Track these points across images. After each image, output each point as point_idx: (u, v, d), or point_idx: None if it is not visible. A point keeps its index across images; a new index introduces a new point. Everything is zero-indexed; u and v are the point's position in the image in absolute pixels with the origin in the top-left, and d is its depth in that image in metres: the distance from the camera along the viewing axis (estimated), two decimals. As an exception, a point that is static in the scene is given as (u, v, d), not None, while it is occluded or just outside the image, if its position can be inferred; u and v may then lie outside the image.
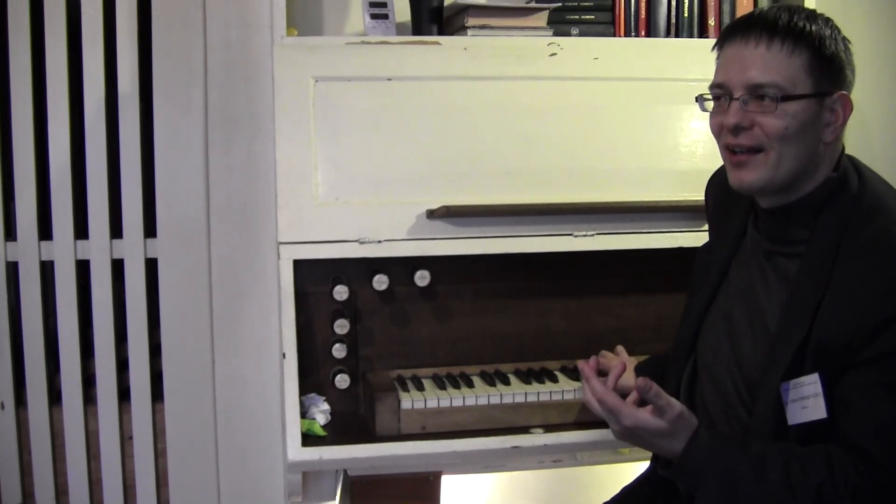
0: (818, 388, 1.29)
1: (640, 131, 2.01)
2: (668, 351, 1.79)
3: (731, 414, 1.44)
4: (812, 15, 1.38)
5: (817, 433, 1.30)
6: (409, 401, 1.78)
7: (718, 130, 1.42)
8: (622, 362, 1.46)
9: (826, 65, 1.35)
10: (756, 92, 1.35)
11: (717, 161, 1.67)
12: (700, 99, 1.45)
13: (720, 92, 1.41)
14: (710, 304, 1.53)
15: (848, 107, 1.37)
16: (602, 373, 1.88)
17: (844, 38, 1.39)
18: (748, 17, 1.40)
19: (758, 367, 1.39)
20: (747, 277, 1.47)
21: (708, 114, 1.46)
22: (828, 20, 1.38)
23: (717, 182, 1.68)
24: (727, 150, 1.41)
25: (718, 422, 1.46)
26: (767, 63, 1.34)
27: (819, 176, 1.39)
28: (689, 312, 1.57)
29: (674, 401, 1.34)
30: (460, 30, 2.04)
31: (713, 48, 1.45)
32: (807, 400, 1.30)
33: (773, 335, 1.38)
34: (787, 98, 1.33)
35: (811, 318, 1.31)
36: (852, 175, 1.40)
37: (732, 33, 1.39)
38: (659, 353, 1.85)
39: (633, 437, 1.38)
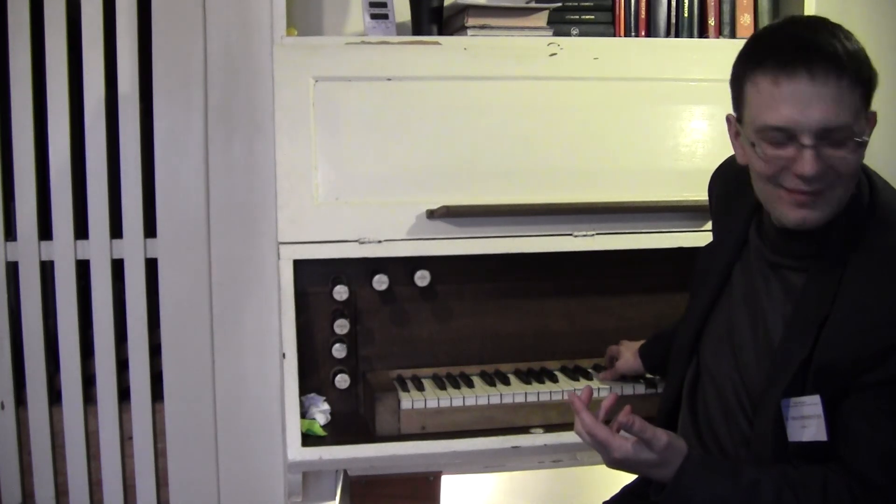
0: (819, 409, 1.27)
1: (641, 131, 2.01)
2: (669, 328, 1.79)
3: (731, 421, 1.43)
4: (847, 34, 1.27)
5: (817, 450, 1.29)
6: (409, 401, 1.78)
7: (777, 173, 1.29)
8: (615, 394, 1.45)
9: (870, 93, 1.28)
10: (828, 135, 1.24)
11: (716, 161, 1.68)
12: (758, 142, 1.29)
13: (781, 136, 1.27)
14: (713, 308, 1.51)
15: (873, 123, 1.31)
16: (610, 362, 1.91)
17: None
18: (799, 47, 1.25)
19: (759, 379, 1.38)
20: (751, 285, 1.45)
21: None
22: (847, 33, 1.29)
23: (722, 178, 1.66)
24: (782, 187, 1.30)
25: (719, 427, 1.45)
26: (838, 103, 1.23)
27: None
28: (691, 314, 1.55)
29: (660, 431, 1.33)
30: (460, 30, 2.04)
31: (747, 75, 1.30)
32: (807, 420, 1.29)
33: (775, 349, 1.36)
34: (856, 136, 1.25)
35: (814, 337, 1.29)
36: (864, 187, 1.35)
37: (791, 66, 1.24)
38: (658, 331, 1.84)
39: (624, 467, 1.38)
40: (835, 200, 1.29)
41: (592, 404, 1.44)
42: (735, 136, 1.39)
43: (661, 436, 1.32)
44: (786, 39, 1.28)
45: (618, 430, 1.36)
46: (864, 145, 1.27)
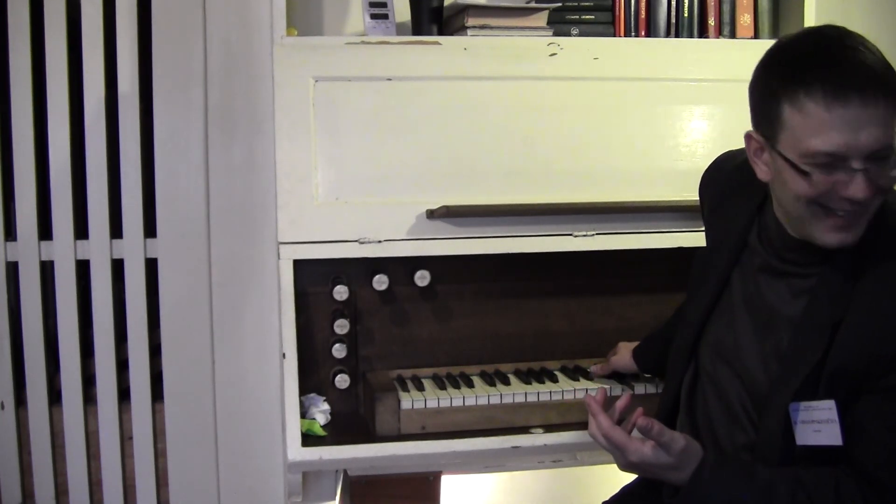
0: (834, 414, 1.26)
1: (640, 131, 2.01)
2: (660, 328, 1.80)
3: (735, 425, 1.43)
4: (873, 46, 1.25)
5: (825, 453, 1.29)
6: (409, 401, 1.78)
7: (821, 196, 1.26)
8: (630, 394, 1.45)
9: None
10: (874, 156, 1.23)
11: (716, 161, 1.68)
12: (802, 165, 1.25)
13: (830, 159, 1.23)
14: (712, 312, 1.50)
15: None
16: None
17: None
18: (850, 70, 1.22)
19: (765, 383, 1.37)
20: (752, 289, 1.44)
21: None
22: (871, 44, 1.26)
23: (714, 179, 1.65)
24: (823, 208, 1.27)
25: (719, 429, 1.45)
26: (885, 125, 1.22)
27: None
28: (689, 318, 1.55)
29: (677, 435, 1.33)
30: (460, 30, 2.04)
31: (787, 96, 1.25)
32: (820, 424, 1.27)
33: (784, 353, 1.35)
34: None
35: (827, 341, 1.28)
36: None
37: (844, 91, 1.21)
38: (651, 332, 1.85)
39: (638, 470, 1.38)
40: (867, 218, 1.28)
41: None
42: (757, 152, 1.34)
43: (679, 439, 1.33)
44: (831, 61, 1.23)
45: (630, 432, 1.36)
46: None
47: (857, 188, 1.23)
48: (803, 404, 1.30)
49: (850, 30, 1.28)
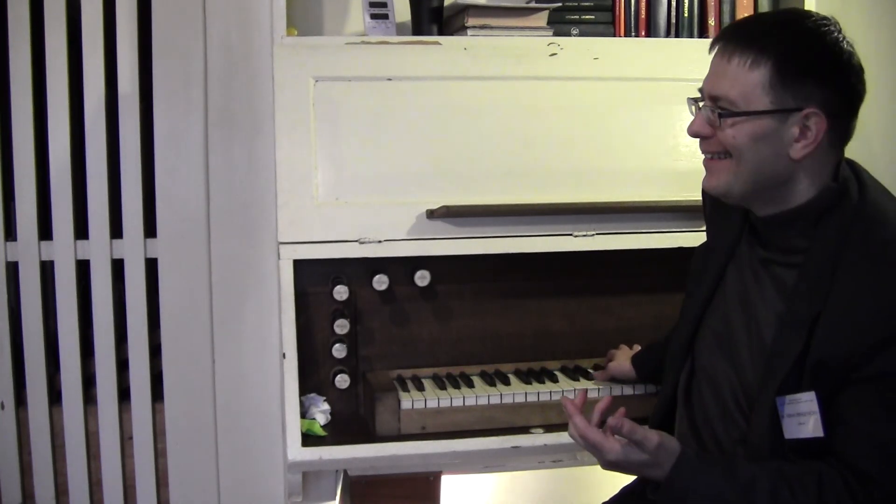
0: (815, 406, 1.27)
1: (640, 131, 2.01)
2: (662, 338, 1.80)
3: (728, 419, 1.43)
4: (796, 26, 1.33)
5: (815, 446, 1.30)
6: (409, 401, 1.78)
7: None
8: (610, 397, 1.46)
9: (794, 80, 1.30)
10: (715, 103, 1.36)
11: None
12: (691, 101, 1.45)
13: (700, 97, 1.42)
14: (708, 307, 1.52)
15: (822, 125, 1.30)
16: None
17: (836, 53, 1.31)
18: (730, 26, 1.42)
19: (755, 378, 1.38)
20: (744, 284, 1.46)
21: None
22: (820, 28, 1.32)
23: None
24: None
25: (717, 426, 1.46)
26: (727, 76, 1.34)
27: (807, 187, 1.35)
28: (686, 314, 1.56)
29: (650, 432, 1.34)
30: (460, 30, 2.04)
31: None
32: (803, 416, 1.29)
33: (768, 348, 1.37)
34: (733, 114, 1.33)
35: (808, 333, 1.29)
36: (852, 184, 1.36)
37: (715, 41, 1.40)
38: (652, 341, 1.85)
39: (618, 469, 1.39)
40: (731, 173, 1.37)
41: (588, 405, 1.44)
42: None
43: (652, 437, 1.33)
44: (735, 21, 1.46)
45: (613, 433, 1.36)
46: (750, 123, 1.33)
47: (692, 121, 1.41)
48: (788, 397, 1.31)
49: (812, 11, 1.41)
